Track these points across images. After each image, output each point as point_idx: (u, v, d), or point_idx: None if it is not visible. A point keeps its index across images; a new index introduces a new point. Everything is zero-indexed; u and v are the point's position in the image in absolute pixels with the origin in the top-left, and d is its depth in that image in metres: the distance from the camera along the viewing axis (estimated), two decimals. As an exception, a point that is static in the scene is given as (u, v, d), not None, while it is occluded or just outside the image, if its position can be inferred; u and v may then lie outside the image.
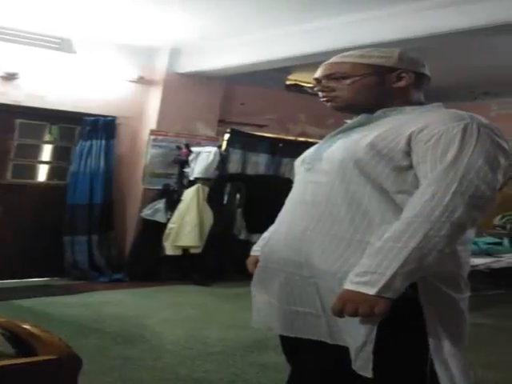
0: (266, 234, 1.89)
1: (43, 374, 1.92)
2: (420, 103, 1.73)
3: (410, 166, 1.56)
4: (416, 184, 1.55)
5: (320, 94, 1.78)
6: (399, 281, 1.44)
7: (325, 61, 1.79)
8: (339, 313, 1.49)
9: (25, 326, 2.06)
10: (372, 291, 1.44)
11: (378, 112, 1.70)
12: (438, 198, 1.46)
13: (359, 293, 1.46)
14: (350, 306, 1.47)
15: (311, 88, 1.87)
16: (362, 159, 1.59)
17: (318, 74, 1.78)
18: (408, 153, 1.56)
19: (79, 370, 1.97)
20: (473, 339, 1.67)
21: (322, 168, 1.69)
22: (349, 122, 1.78)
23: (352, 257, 1.57)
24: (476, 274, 5.13)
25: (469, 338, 1.66)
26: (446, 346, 1.57)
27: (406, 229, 1.46)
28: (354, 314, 1.47)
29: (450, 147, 1.51)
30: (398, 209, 1.54)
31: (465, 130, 1.52)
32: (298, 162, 1.85)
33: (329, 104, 1.77)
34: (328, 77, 1.74)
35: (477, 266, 5.22)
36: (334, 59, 1.77)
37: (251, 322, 1.90)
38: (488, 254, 5.90)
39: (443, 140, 1.52)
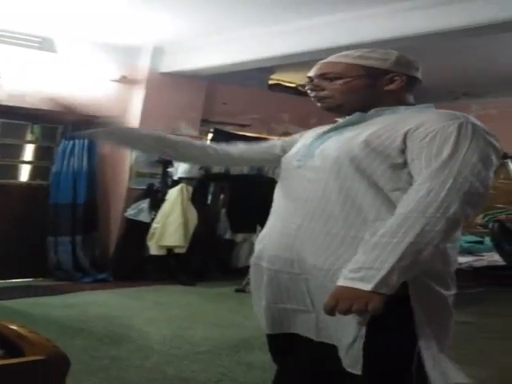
0: (264, 231, 1.85)
1: (31, 374, 1.90)
2: (410, 104, 1.74)
3: (405, 164, 1.57)
4: (410, 182, 1.56)
5: (310, 92, 1.78)
6: (395, 276, 1.44)
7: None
8: (331, 310, 1.47)
9: (12, 327, 2.04)
10: (368, 287, 1.43)
11: (372, 111, 1.70)
12: (434, 194, 1.47)
13: (354, 289, 1.44)
14: (343, 302, 1.44)
15: (300, 86, 1.87)
16: (357, 156, 1.60)
17: (312, 72, 1.78)
18: (403, 150, 1.57)
19: (67, 370, 1.96)
20: (455, 337, 1.68)
21: (314, 165, 1.69)
22: (340, 120, 1.78)
23: (346, 253, 1.56)
24: (458, 272, 5.17)
25: (453, 335, 1.67)
26: (435, 342, 1.58)
27: (402, 224, 1.46)
28: (347, 312, 1.45)
29: (445, 145, 1.52)
30: (393, 206, 1.55)
31: (460, 128, 1.54)
32: (286, 158, 1.85)
33: (319, 104, 1.77)
34: (321, 76, 1.74)
35: (459, 264, 5.24)
36: (330, 58, 1.76)
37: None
38: (469, 252, 5.96)
39: (438, 138, 1.53)
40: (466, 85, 6.62)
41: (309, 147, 1.76)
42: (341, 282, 1.48)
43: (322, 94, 1.74)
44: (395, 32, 3.99)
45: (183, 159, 2.54)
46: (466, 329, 4.39)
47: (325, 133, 1.76)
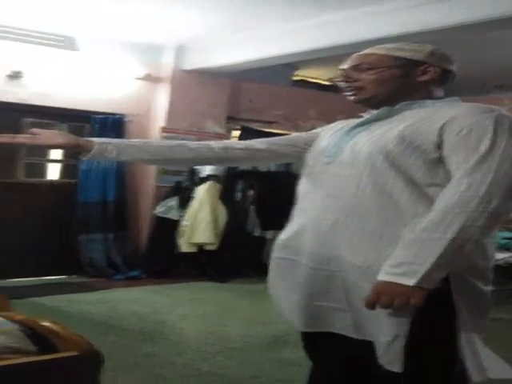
0: (292, 228, 1.81)
1: (65, 370, 1.90)
2: (438, 98, 1.72)
3: (441, 159, 1.55)
4: (448, 177, 1.54)
5: (343, 84, 1.76)
6: (437, 271, 1.44)
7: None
8: (372, 305, 1.47)
9: (45, 323, 2.04)
10: (410, 282, 1.42)
11: (399, 105, 1.68)
12: (474, 188, 1.45)
13: (395, 284, 1.44)
14: (384, 297, 1.45)
15: (331, 80, 1.84)
16: (392, 151, 1.58)
17: (346, 64, 1.77)
18: (439, 145, 1.55)
19: (101, 366, 1.95)
20: (492, 334, 1.67)
21: (345, 161, 1.67)
22: (365, 115, 1.76)
23: (385, 251, 1.54)
24: (495, 268, 5.09)
25: (486, 332, 1.66)
26: (475, 339, 1.57)
27: (443, 219, 1.45)
28: (389, 306, 1.46)
29: (482, 138, 1.50)
30: (430, 202, 1.53)
31: (496, 121, 1.51)
32: (312, 153, 1.81)
33: (351, 95, 1.74)
34: (354, 67, 1.73)
35: (496, 260, 5.16)
36: (365, 50, 1.75)
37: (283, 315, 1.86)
38: (507, 248, 5.86)
39: (475, 131, 1.51)
40: (497, 77, 6.49)
41: (338, 143, 1.73)
42: (382, 277, 1.48)
43: (356, 84, 1.72)
44: (423, 25, 3.92)
45: (203, 163, 2.47)
46: (502, 325, 4.39)
47: (353, 128, 1.74)
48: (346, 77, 1.74)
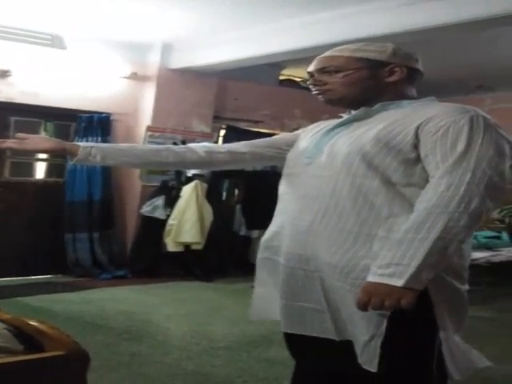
0: (272, 228, 1.84)
1: (52, 369, 1.90)
2: (413, 97, 1.73)
3: (418, 159, 1.57)
4: (424, 177, 1.56)
5: (312, 87, 1.77)
6: (425, 272, 1.45)
7: (318, 55, 1.80)
8: (364, 306, 1.48)
9: (31, 323, 2.04)
10: (399, 283, 1.44)
11: (377, 106, 1.70)
12: (454, 188, 1.47)
13: (385, 285, 1.46)
14: (375, 298, 1.46)
15: (304, 81, 1.86)
16: (369, 152, 1.59)
17: (312, 67, 1.78)
18: (416, 145, 1.57)
19: (88, 365, 1.95)
20: (473, 332, 1.71)
21: (323, 162, 1.68)
22: (344, 116, 1.78)
23: (360, 250, 1.57)
24: (475, 267, 5.16)
25: (469, 330, 1.68)
26: (453, 336, 1.59)
27: (425, 220, 1.46)
28: (380, 307, 1.46)
29: (458, 138, 1.51)
30: (406, 201, 1.55)
31: (471, 121, 1.53)
32: (292, 154, 1.83)
33: (321, 98, 1.76)
34: (321, 70, 1.74)
35: (476, 259, 5.25)
36: (328, 53, 1.77)
37: (250, 315, 1.90)
38: (487, 247, 5.93)
39: (451, 131, 1.52)
40: (479, 78, 6.55)
41: (317, 144, 1.75)
42: (371, 278, 1.49)
43: (324, 87, 1.73)
44: (406, 25, 3.95)
45: (184, 167, 2.47)
46: (483, 324, 4.39)
47: (332, 129, 1.75)
48: (315, 80, 1.75)
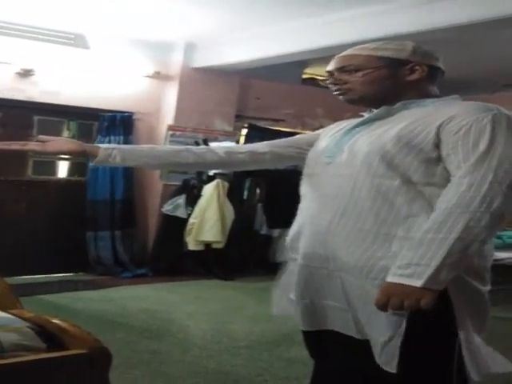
0: (295, 228, 1.83)
1: (74, 367, 1.91)
2: (435, 96, 1.71)
3: (439, 158, 1.55)
4: (445, 176, 1.54)
5: (332, 86, 1.76)
6: (445, 272, 1.43)
7: (340, 53, 1.78)
8: (383, 306, 1.47)
9: (54, 321, 2.06)
10: (418, 283, 1.43)
11: (398, 104, 1.68)
12: (475, 188, 1.45)
13: (404, 285, 1.44)
14: (394, 299, 1.45)
15: (323, 81, 1.85)
16: (389, 151, 1.58)
17: (331, 66, 1.77)
18: (437, 144, 1.55)
19: (109, 363, 1.96)
20: (497, 333, 1.68)
21: (344, 161, 1.67)
22: (365, 114, 1.77)
23: (379, 250, 1.56)
24: (501, 267, 5.09)
25: (492, 332, 1.65)
26: (475, 338, 1.57)
27: (446, 220, 1.45)
28: (400, 308, 1.45)
29: (481, 137, 1.50)
30: (426, 201, 1.54)
31: (494, 120, 1.51)
32: (313, 154, 1.82)
33: (341, 97, 1.75)
34: (341, 69, 1.73)
35: (502, 259, 5.18)
36: (347, 52, 1.75)
37: (273, 310, 1.90)
38: (512, 247, 5.84)
39: (473, 130, 1.51)
40: (507, 76, 6.44)
41: (338, 143, 1.73)
42: (390, 279, 1.48)
43: (345, 86, 1.72)
44: (431, 23, 3.91)
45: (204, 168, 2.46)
46: (508, 325, 4.32)
47: (353, 128, 1.74)
48: (335, 79, 1.74)
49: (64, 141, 1.88)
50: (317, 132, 1.95)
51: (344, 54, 1.75)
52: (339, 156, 1.68)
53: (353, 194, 1.61)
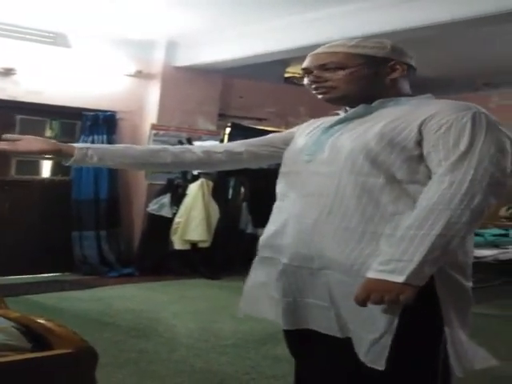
0: (270, 227, 1.81)
1: (60, 367, 1.90)
2: (409, 94, 1.72)
3: (422, 156, 1.56)
4: (428, 174, 1.55)
5: (311, 84, 1.74)
6: (427, 268, 1.45)
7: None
8: (363, 302, 1.48)
9: (40, 321, 2.04)
10: (400, 279, 1.44)
11: (376, 103, 1.68)
12: (456, 186, 1.47)
13: (385, 281, 1.45)
14: (375, 294, 1.46)
15: (299, 79, 1.83)
16: (373, 149, 1.57)
17: (308, 63, 1.73)
18: (419, 142, 1.56)
19: (96, 363, 1.95)
20: (480, 330, 1.70)
21: (325, 158, 1.66)
22: (341, 113, 1.76)
23: (367, 249, 1.56)
24: (483, 265, 5.15)
25: (476, 328, 1.67)
26: (459, 333, 1.58)
27: (428, 216, 1.46)
28: (379, 303, 1.46)
29: (461, 136, 1.52)
30: (410, 199, 1.55)
31: (474, 118, 1.53)
32: (290, 153, 1.81)
33: (321, 96, 1.73)
34: (321, 67, 1.70)
35: (484, 257, 5.25)
36: (323, 49, 1.72)
37: (237, 312, 1.88)
38: (495, 245, 5.91)
39: (453, 129, 1.53)
40: (486, 75, 6.53)
41: (317, 141, 1.72)
42: (371, 275, 1.49)
43: (327, 84, 1.70)
44: (413, 22, 3.94)
45: (182, 167, 2.42)
46: (491, 321, 4.37)
47: (331, 126, 1.73)
48: (316, 77, 1.71)
49: (36, 139, 1.79)
50: (291, 130, 1.93)
51: (320, 50, 1.72)
52: (320, 154, 1.67)
53: (338, 193, 1.60)
